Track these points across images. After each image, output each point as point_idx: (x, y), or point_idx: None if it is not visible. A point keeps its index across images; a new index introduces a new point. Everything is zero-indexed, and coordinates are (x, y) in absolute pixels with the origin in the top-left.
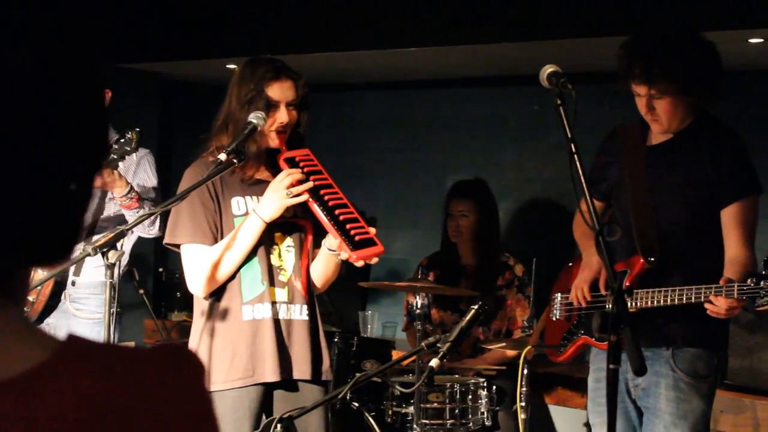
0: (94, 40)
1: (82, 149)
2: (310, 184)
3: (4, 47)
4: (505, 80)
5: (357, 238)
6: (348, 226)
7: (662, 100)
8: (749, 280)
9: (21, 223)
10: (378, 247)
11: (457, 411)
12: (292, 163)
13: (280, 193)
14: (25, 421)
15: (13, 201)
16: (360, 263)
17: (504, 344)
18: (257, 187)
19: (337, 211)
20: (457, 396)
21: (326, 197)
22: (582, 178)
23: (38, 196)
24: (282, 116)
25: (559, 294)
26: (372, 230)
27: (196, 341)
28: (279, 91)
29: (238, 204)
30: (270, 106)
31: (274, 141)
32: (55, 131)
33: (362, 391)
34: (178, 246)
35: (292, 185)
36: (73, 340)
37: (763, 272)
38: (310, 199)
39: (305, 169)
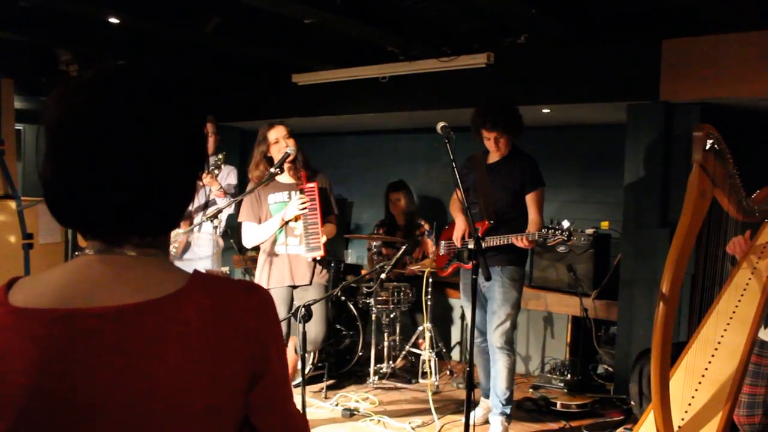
0: (203, 104)
1: (194, 163)
2: (305, 211)
3: (172, 111)
4: (419, 130)
5: (311, 245)
6: (310, 238)
7: (502, 138)
8: (543, 230)
9: (170, 211)
10: (320, 252)
11: (395, 299)
12: (302, 192)
13: (294, 209)
14: (174, 322)
15: (167, 199)
16: (310, 258)
17: (419, 265)
18: (280, 191)
19: (309, 228)
20: (395, 292)
21: (308, 216)
22: (458, 180)
23: (176, 195)
24: (281, 146)
25: (443, 241)
26: (323, 239)
27: (260, 265)
28: (274, 133)
29: (270, 198)
30: (272, 144)
31: (295, 175)
32: (186, 156)
33: (347, 291)
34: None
35: (301, 205)
36: (197, 274)
37: (548, 227)
38: (303, 216)
39: (307, 196)
